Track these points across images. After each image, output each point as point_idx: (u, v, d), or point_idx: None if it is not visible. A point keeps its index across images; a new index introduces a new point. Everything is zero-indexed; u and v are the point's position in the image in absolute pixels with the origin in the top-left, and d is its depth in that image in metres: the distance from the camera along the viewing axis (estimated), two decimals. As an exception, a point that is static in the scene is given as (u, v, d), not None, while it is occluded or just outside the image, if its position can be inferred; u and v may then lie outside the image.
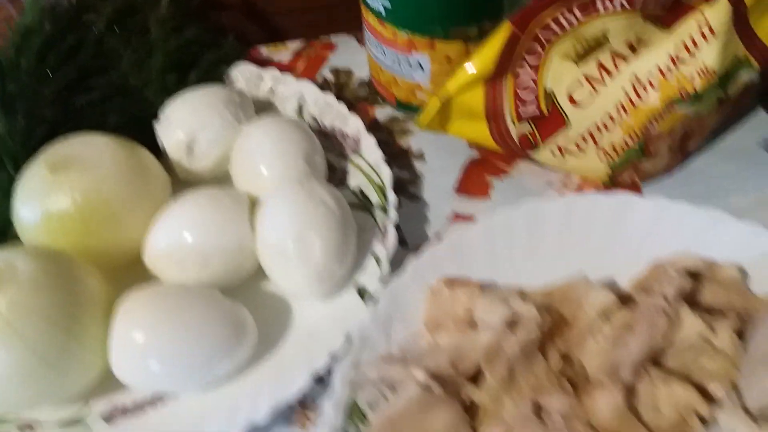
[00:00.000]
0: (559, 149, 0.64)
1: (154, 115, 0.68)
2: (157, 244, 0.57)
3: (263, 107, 0.75)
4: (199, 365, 0.52)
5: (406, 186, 0.70)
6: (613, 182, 0.66)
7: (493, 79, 0.60)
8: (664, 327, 0.47)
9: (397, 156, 0.73)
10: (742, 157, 0.68)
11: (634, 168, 0.65)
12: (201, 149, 0.65)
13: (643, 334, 0.47)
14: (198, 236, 0.56)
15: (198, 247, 0.56)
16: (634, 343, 0.47)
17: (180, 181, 0.66)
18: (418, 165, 0.72)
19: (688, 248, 0.56)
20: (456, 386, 0.47)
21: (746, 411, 0.43)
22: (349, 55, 0.84)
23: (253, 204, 0.59)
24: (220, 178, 0.65)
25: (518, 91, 0.61)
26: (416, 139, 0.75)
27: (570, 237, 0.59)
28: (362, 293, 0.57)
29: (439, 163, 0.72)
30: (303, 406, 0.55)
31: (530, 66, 0.60)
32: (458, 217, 0.66)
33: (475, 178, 0.71)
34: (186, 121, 0.65)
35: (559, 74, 0.60)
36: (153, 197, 0.61)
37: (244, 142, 0.63)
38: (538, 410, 0.46)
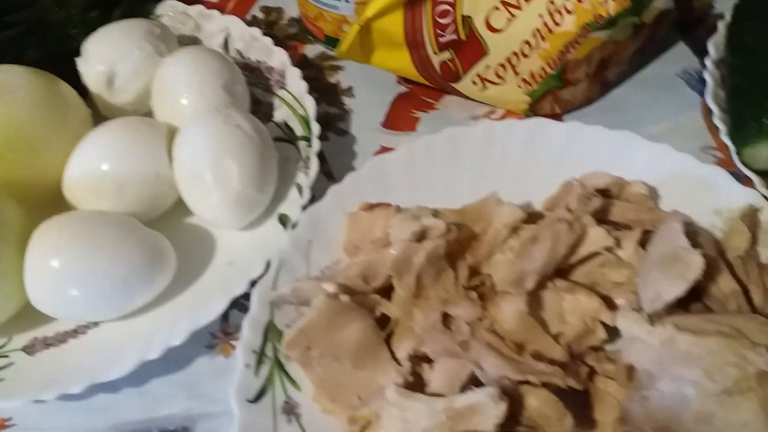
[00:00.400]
0: (480, 79, 0.65)
1: (77, 53, 0.66)
2: (75, 174, 0.57)
3: (189, 44, 0.74)
4: (116, 291, 0.52)
5: (335, 121, 0.71)
6: (534, 112, 0.67)
7: (411, 4, 0.60)
8: (567, 237, 0.48)
9: (326, 92, 0.73)
10: (660, 88, 0.70)
11: (553, 97, 0.66)
12: (121, 82, 0.64)
13: (546, 244, 0.48)
14: (114, 164, 0.56)
15: (114, 175, 0.56)
16: (538, 253, 0.48)
17: (103, 117, 0.65)
18: (346, 101, 0.73)
19: (600, 169, 0.57)
20: (367, 299, 0.49)
21: (644, 314, 0.44)
22: (281, -7, 0.83)
23: (172, 134, 0.59)
24: (143, 113, 0.65)
25: (436, 17, 0.61)
26: (345, 75, 0.75)
27: (488, 161, 0.60)
28: (284, 221, 0.58)
29: (368, 99, 0.72)
30: (227, 335, 0.56)
31: (448, -10, 0.60)
32: (385, 151, 0.67)
33: (402, 113, 0.71)
34: (105, 54, 0.64)
35: (476, -1, 0.60)
36: (72, 130, 0.60)
37: (163, 73, 0.62)
38: (446, 320, 0.47)
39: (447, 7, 0.61)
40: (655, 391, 0.41)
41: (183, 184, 0.56)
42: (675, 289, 0.42)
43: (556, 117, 0.67)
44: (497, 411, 0.41)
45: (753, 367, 0.39)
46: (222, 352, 0.54)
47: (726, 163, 0.59)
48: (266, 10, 0.82)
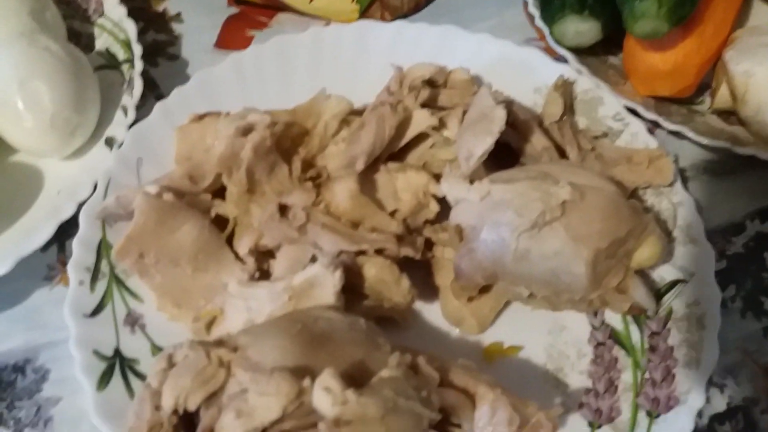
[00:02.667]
0: (307, -11, 0.64)
1: None
2: None
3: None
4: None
5: (165, 47, 0.68)
6: (364, 20, 0.67)
7: None
8: (391, 118, 0.49)
9: (154, 20, 0.70)
10: (483, -12, 0.72)
11: (382, 5, 0.67)
12: None
13: (371, 127, 0.49)
14: None
15: None
16: (364, 136, 0.49)
17: None
18: (176, 26, 0.70)
19: (427, 61, 0.58)
20: (198, 200, 0.48)
21: (462, 175, 0.46)
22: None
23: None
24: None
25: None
26: (173, 2, 0.72)
27: (319, 66, 0.60)
28: (110, 143, 0.55)
29: (198, 23, 0.70)
30: (65, 265, 0.53)
31: None
32: (218, 70, 0.65)
33: (234, 33, 0.69)
34: None
35: None
36: None
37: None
38: (283, 210, 0.47)
39: None
40: (479, 242, 0.43)
41: (-6, 114, 0.53)
42: (483, 143, 0.44)
43: (386, 23, 0.68)
44: (334, 280, 0.42)
45: (556, 198, 0.42)
46: (62, 282, 0.52)
47: (548, 52, 0.62)
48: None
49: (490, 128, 0.44)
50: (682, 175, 0.55)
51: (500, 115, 0.45)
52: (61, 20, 0.62)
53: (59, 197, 0.53)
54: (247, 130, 0.48)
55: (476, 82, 0.58)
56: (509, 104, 0.51)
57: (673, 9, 0.52)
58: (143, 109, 0.59)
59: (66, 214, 0.50)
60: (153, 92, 0.64)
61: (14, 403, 0.46)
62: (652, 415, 0.44)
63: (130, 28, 0.62)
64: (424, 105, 0.54)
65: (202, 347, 0.36)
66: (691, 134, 0.54)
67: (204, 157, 0.49)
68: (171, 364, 0.36)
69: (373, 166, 0.50)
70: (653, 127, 0.57)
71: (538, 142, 0.49)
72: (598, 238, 0.41)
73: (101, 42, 0.64)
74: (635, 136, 0.53)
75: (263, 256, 0.48)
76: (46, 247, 0.53)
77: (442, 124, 0.52)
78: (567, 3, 0.57)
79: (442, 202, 0.49)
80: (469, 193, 0.44)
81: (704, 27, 0.56)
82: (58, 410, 0.46)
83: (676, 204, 0.50)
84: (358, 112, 0.54)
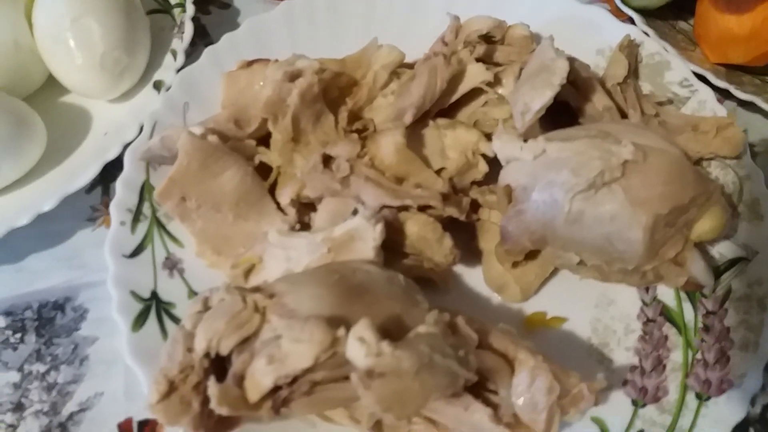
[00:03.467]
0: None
1: None
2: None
3: None
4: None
5: (217, -6, 0.67)
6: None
7: None
8: (443, 70, 0.47)
9: (208, -34, 0.69)
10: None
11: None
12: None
13: (423, 78, 0.47)
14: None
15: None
16: (415, 88, 0.47)
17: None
18: (230, -26, 0.69)
19: (486, 15, 0.56)
20: (242, 145, 0.47)
21: (516, 132, 0.44)
22: None
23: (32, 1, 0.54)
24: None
25: None
26: (228, -50, 0.71)
27: (372, 16, 0.58)
28: (158, 87, 0.55)
29: (253, -30, 0.69)
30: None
31: None
32: (269, 19, 0.64)
33: (289, -18, 0.68)
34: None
35: None
36: None
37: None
38: (327, 161, 0.46)
39: None
40: (530, 203, 0.41)
41: (45, 51, 0.53)
42: (542, 97, 0.42)
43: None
44: (374, 233, 0.40)
45: (617, 158, 0.39)
46: (105, 224, 0.52)
47: (615, 13, 0.58)
48: None
49: (550, 80, 0.42)
50: (751, 149, 0.51)
51: (563, 66, 0.42)
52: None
53: (106, 138, 0.53)
54: (294, 76, 0.46)
55: (536, 39, 0.55)
56: (571, 61, 0.48)
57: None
58: (193, 56, 0.58)
59: (111, 154, 0.50)
60: (203, 40, 0.63)
61: (52, 340, 0.47)
62: (702, 398, 0.41)
63: (183, -30, 0.61)
64: (479, 60, 0.51)
65: (238, 291, 0.35)
66: (764, 105, 0.50)
67: (251, 102, 0.48)
68: (206, 306, 0.36)
69: (421, 120, 0.48)
70: (722, 97, 0.54)
71: (599, 101, 0.46)
72: (658, 203, 0.38)
73: (154, -16, 0.64)
74: (703, 104, 0.50)
75: (305, 207, 0.47)
76: (90, 189, 0.53)
77: (497, 81, 0.50)
78: (638, -40, 0.54)
79: (492, 163, 0.47)
80: (522, 152, 0.42)
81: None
82: (94, 350, 0.47)
83: (742, 177, 0.47)
84: (410, 66, 0.52)
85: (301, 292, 0.35)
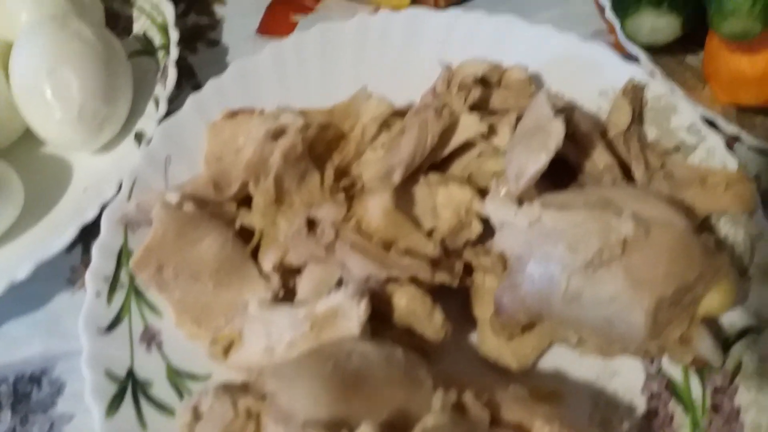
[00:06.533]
0: (356, -28, 0.59)
1: None
2: None
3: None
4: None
5: (205, 32, 0.65)
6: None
7: None
8: (435, 124, 0.45)
9: (195, 1, 0.67)
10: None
11: (438, -10, 0.61)
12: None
13: (413, 133, 0.44)
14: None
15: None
16: (405, 145, 0.44)
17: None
18: (218, 9, 0.67)
19: (482, 56, 0.53)
20: (222, 209, 0.44)
21: (511, 195, 0.41)
22: None
23: (8, 49, 0.52)
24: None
25: None
26: (217, -19, 0.68)
27: (364, 58, 0.55)
28: (140, 138, 0.53)
29: (241, 5, 0.67)
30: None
31: None
32: (259, 58, 0.62)
33: (278, 17, 0.66)
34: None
35: None
36: None
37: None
38: (311, 225, 0.43)
39: None
40: (525, 275, 0.39)
41: (21, 103, 0.51)
42: (536, 161, 0.39)
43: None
44: (359, 311, 0.38)
45: (616, 235, 0.36)
46: (79, 285, 0.50)
47: (618, 47, 0.55)
48: None
49: (545, 143, 0.39)
50: (765, 200, 0.48)
51: (558, 130, 0.39)
52: (99, 2, 0.59)
53: (85, 195, 0.51)
54: (278, 134, 0.44)
55: (534, 81, 0.53)
56: (570, 112, 0.46)
57: (768, 7, 0.45)
58: (179, 99, 0.56)
59: (89, 215, 0.48)
60: (190, 81, 0.61)
61: (28, 417, 0.45)
62: (710, 484, 0.38)
63: (168, 11, 0.59)
64: (474, 106, 0.49)
65: (228, 396, 0.33)
66: (777, 152, 0.48)
67: (233, 160, 0.45)
68: (197, 415, 0.34)
69: (412, 177, 0.46)
70: (733, 140, 0.51)
71: (599, 158, 0.44)
72: (662, 283, 0.36)
73: (139, 25, 0.62)
74: (711, 152, 0.47)
75: (289, 273, 0.45)
76: (70, 248, 0.51)
77: (491, 131, 0.47)
78: (643, -4, 0.51)
79: (487, 221, 0.45)
80: (516, 217, 0.39)
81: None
82: (71, 428, 0.44)
83: (754, 237, 0.44)
84: (402, 113, 0.50)
85: (294, 389, 0.33)
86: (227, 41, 0.64)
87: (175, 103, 0.55)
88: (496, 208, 0.41)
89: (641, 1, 0.51)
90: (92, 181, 0.52)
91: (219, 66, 0.62)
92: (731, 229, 0.45)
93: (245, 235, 0.45)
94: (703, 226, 0.44)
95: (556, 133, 0.39)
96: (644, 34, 0.52)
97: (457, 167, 0.48)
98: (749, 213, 0.44)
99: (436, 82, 0.48)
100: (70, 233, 0.47)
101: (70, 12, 0.54)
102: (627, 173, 0.46)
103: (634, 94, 0.49)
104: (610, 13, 0.55)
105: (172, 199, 0.42)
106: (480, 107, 0.50)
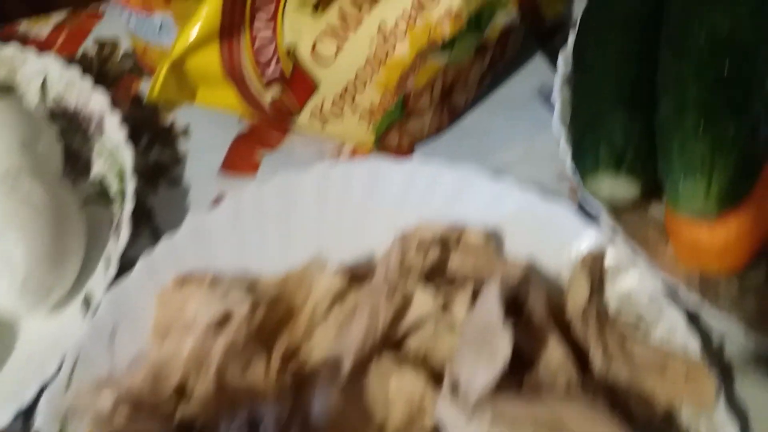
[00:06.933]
0: (317, 115, 0.59)
1: None
2: None
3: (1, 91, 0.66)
4: None
5: (167, 169, 0.64)
6: (381, 146, 0.61)
7: (226, 38, 0.54)
8: (386, 308, 0.43)
9: (159, 135, 0.67)
10: (516, 108, 0.65)
11: (400, 130, 0.61)
12: None
13: (363, 320, 0.43)
14: None
15: None
16: (355, 331, 0.43)
17: None
18: (182, 143, 0.66)
19: (441, 211, 0.53)
20: (160, 407, 0.43)
21: (462, 403, 0.39)
22: (118, 24, 0.75)
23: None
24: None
25: (255, 51, 0.55)
26: (183, 114, 0.68)
27: (324, 212, 0.55)
28: (88, 304, 0.51)
29: (207, 139, 0.66)
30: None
31: (265, 19, 0.54)
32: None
33: (242, 153, 0.65)
34: None
35: (298, 27, 0.54)
36: None
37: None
38: (255, 422, 0.42)
39: (266, 39, 0.55)
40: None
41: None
42: (485, 373, 0.38)
43: (406, 150, 0.62)
44: None
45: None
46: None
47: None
48: (100, 43, 0.75)
49: (494, 357, 0.38)
50: (729, 372, 0.47)
51: (505, 345, 0.38)
52: (57, 146, 0.58)
53: (25, 369, 0.49)
54: (223, 320, 0.42)
55: (494, 238, 0.52)
56: (524, 295, 0.44)
57: (726, 190, 0.44)
58: (135, 246, 0.55)
59: (27, 397, 0.46)
60: (148, 225, 0.60)
61: None
62: None
63: (127, 158, 0.58)
64: (432, 269, 0.48)
65: None
66: (738, 330, 0.46)
67: (178, 338, 0.44)
68: None
69: (363, 364, 0.44)
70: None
71: (553, 354, 0.42)
72: None
73: (99, 166, 0.61)
74: (672, 330, 0.46)
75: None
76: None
77: (446, 308, 0.46)
78: (600, 157, 0.50)
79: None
80: (466, 428, 0.38)
81: (766, 199, 0.47)
82: None
83: (717, 426, 0.42)
84: (360, 276, 0.49)
85: None
86: (190, 179, 0.63)
87: (131, 251, 0.54)
88: (447, 415, 0.39)
89: (599, 164, 0.50)
90: (35, 351, 0.50)
91: (179, 210, 0.61)
92: (693, 420, 0.43)
93: (185, 426, 0.44)
94: (665, 415, 0.43)
95: (503, 347, 0.38)
96: (605, 194, 0.51)
97: (413, 343, 0.46)
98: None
99: (390, 259, 0.46)
100: (4, 419, 0.45)
101: (25, 167, 0.53)
102: (584, 359, 0.44)
103: (593, 265, 0.48)
104: (569, 173, 0.54)
105: (105, 403, 0.40)
106: (438, 269, 0.49)
